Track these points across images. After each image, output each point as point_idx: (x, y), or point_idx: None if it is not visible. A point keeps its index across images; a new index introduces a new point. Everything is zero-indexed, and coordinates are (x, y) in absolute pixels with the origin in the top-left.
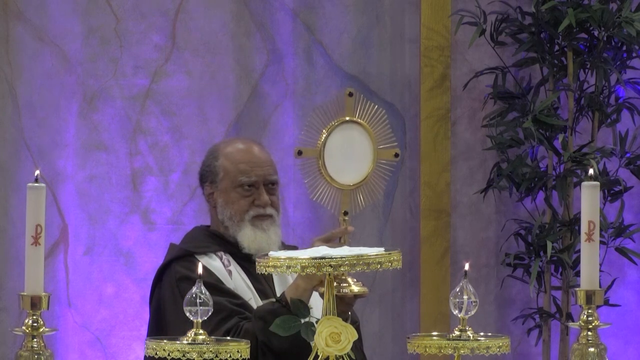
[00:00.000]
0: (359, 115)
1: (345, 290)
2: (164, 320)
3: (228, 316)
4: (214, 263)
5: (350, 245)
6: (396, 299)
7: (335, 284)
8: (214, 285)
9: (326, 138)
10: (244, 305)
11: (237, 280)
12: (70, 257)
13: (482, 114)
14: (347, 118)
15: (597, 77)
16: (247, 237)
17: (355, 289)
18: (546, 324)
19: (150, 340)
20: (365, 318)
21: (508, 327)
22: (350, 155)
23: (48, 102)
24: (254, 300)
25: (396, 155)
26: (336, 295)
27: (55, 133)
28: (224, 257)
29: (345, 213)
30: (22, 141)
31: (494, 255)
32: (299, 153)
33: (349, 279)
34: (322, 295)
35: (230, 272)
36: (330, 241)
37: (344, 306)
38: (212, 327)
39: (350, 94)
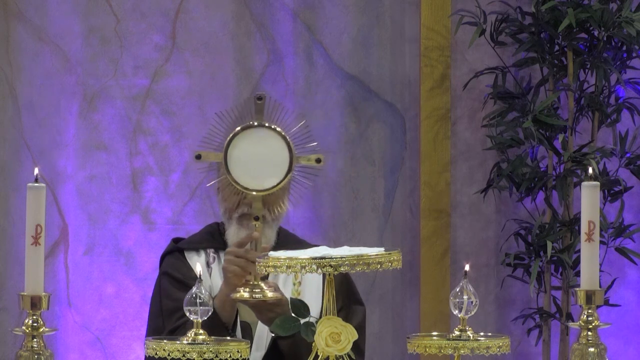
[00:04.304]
0: (273, 120)
1: (259, 296)
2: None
3: (184, 314)
4: (199, 259)
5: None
6: (396, 299)
7: (247, 289)
8: (182, 281)
9: (229, 143)
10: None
11: (215, 279)
12: (70, 257)
13: (482, 114)
14: (255, 122)
15: (597, 77)
16: (231, 235)
17: (269, 294)
18: (546, 324)
19: (150, 340)
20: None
21: (508, 327)
22: (263, 160)
23: (48, 102)
24: None
25: (318, 160)
26: (249, 302)
27: (55, 133)
28: (211, 254)
29: (256, 218)
30: (22, 141)
31: (494, 255)
32: (198, 157)
33: (262, 284)
34: (239, 300)
35: (210, 270)
36: (241, 247)
37: (260, 314)
38: (172, 325)
39: (260, 98)
